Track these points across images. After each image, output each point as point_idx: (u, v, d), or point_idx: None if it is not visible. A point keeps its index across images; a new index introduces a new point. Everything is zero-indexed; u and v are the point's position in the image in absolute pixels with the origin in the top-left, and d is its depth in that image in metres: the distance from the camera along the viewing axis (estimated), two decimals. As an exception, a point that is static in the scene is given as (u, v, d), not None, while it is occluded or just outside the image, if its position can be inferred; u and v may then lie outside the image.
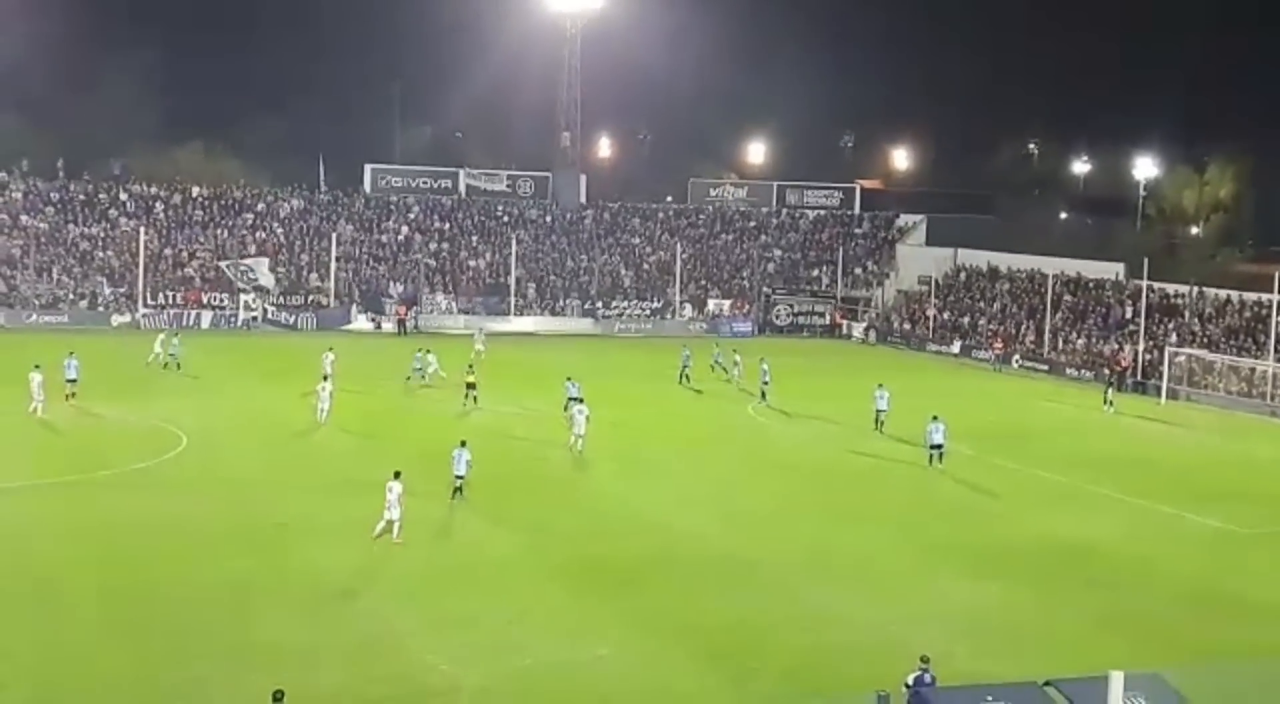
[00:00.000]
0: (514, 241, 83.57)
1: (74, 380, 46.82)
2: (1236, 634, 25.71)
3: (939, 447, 41.03)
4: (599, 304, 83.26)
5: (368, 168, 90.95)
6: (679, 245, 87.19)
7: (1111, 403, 55.55)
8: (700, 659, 23.66)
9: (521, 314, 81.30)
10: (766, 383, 52.76)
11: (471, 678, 22.26)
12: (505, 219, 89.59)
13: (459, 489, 34.22)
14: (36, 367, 43.89)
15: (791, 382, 56.00)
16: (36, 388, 43.25)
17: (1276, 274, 62.71)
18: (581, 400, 43.96)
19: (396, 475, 30.52)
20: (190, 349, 56.15)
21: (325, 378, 46.27)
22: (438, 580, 27.62)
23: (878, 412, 47.05)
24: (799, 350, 61.65)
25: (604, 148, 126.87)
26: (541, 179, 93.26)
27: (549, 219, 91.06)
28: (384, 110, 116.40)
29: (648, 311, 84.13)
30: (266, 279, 77.84)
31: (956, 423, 48.19)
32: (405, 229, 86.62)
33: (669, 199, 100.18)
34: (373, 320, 77.97)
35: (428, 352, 54.62)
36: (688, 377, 57.16)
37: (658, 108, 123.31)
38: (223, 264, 78.00)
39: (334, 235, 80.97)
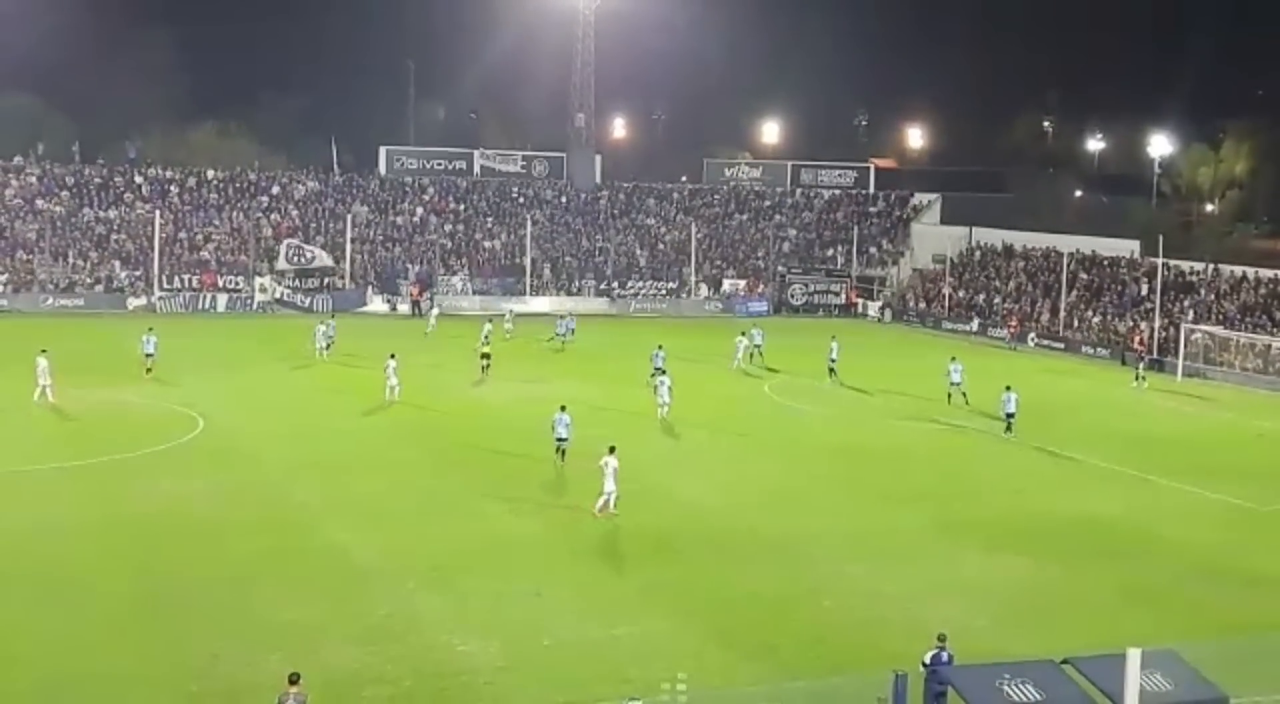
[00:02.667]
0: (529, 222, 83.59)
1: (151, 355, 48.83)
2: (1253, 608, 25.77)
3: (1011, 415, 42.64)
4: (614, 284, 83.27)
5: (382, 149, 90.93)
6: (694, 225, 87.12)
7: (1143, 378, 55.97)
8: (721, 635, 23.74)
9: (537, 294, 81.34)
10: (834, 360, 53.58)
11: (491, 657, 22.38)
12: (520, 200, 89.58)
13: (561, 452, 35.96)
14: (43, 351, 43.48)
15: (810, 360, 56.16)
16: (41, 373, 42.79)
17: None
18: (665, 371, 45.71)
19: (611, 450, 31.22)
20: (208, 333, 56.26)
21: (392, 356, 46.32)
22: (458, 559, 27.70)
23: (951, 385, 48.16)
24: (815, 330, 61.62)
25: (619, 128, 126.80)
26: (556, 160, 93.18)
27: (564, 200, 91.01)
28: (398, 91, 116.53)
29: (663, 291, 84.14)
30: (324, 258, 78.12)
31: (975, 403, 48.53)
32: (420, 210, 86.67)
33: (684, 179, 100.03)
34: (388, 302, 78.11)
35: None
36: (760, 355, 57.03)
37: (672, 88, 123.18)
38: (285, 244, 78.25)
39: (349, 217, 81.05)
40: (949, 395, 48.22)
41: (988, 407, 45.66)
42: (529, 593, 25.65)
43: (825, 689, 20.41)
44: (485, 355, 51.34)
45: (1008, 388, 43.33)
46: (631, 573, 27.38)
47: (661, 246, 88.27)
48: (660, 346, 51.02)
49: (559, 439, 35.95)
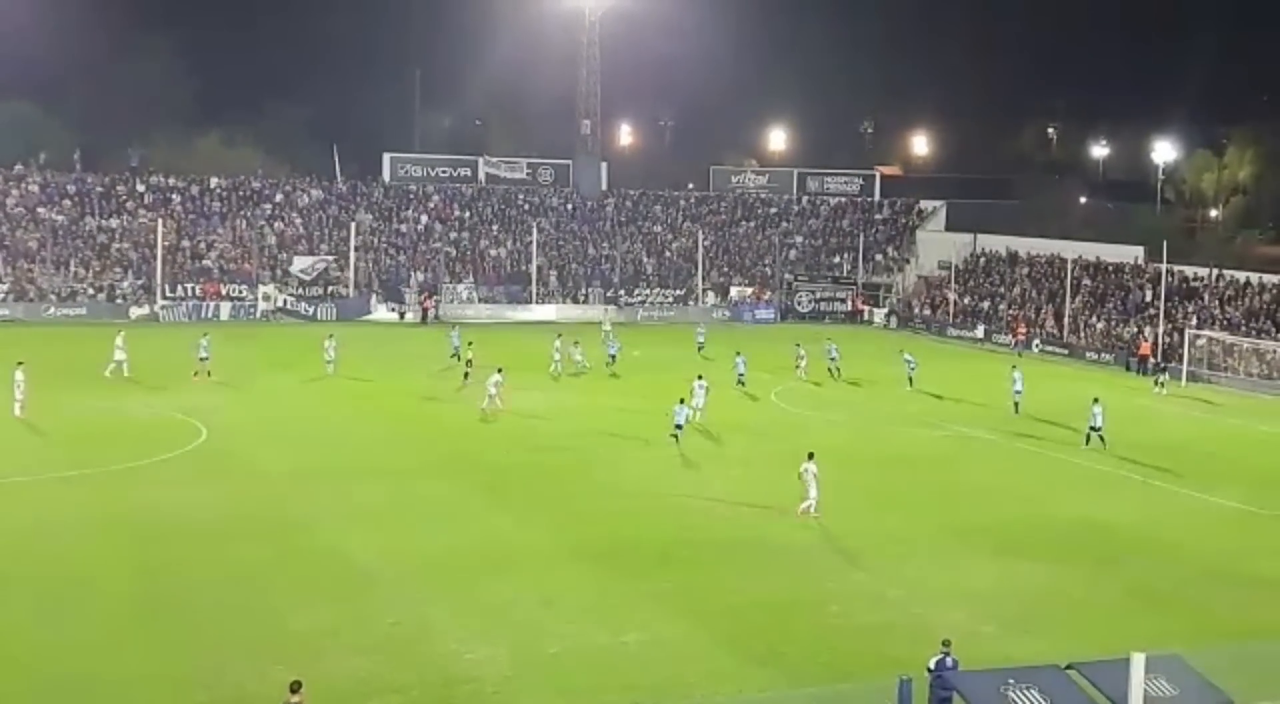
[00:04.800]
0: (535, 229, 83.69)
1: (205, 359, 50.98)
2: (1259, 613, 25.76)
3: (1098, 429, 42.17)
4: (621, 292, 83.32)
5: (386, 157, 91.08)
6: (701, 233, 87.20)
7: (1164, 384, 56.32)
8: (727, 641, 23.72)
9: (543, 302, 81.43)
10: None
11: (498, 665, 22.35)
12: (526, 207, 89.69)
13: (676, 436, 40.41)
14: (20, 363, 42.84)
15: (815, 366, 56.48)
16: (17, 385, 42.00)
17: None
18: (701, 376, 46.23)
19: (810, 457, 32.55)
20: (212, 341, 56.18)
21: (499, 371, 46.58)
22: (465, 567, 27.70)
23: (1015, 393, 48.75)
24: (822, 337, 61.62)
25: (625, 135, 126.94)
26: (562, 167, 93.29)
27: (570, 207, 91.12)
28: (404, 99, 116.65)
29: (670, 299, 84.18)
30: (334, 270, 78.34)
31: (983, 409, 48.63)
32: (425, 218, 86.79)
33: (690, 186, 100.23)
34: (393, 309, 78.17)
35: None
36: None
37: (679, 95, 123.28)
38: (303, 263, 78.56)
39: (353, 225, 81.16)
40: (1015, 405, 48.65)
41: (1001, 412, 45.60)
42: (537, 601, 25.63)
43: (832, 695, 20.42)
44: (468, 361, 51.77)
45: (1095, 400, 43.06)
46: (639, 579, 27.33)
47: (668, 254, 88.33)
48: (739, 353, 53.63)
49: (677, 425, 40.66)
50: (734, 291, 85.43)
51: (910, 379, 54.26)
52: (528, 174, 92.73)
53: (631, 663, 22.72)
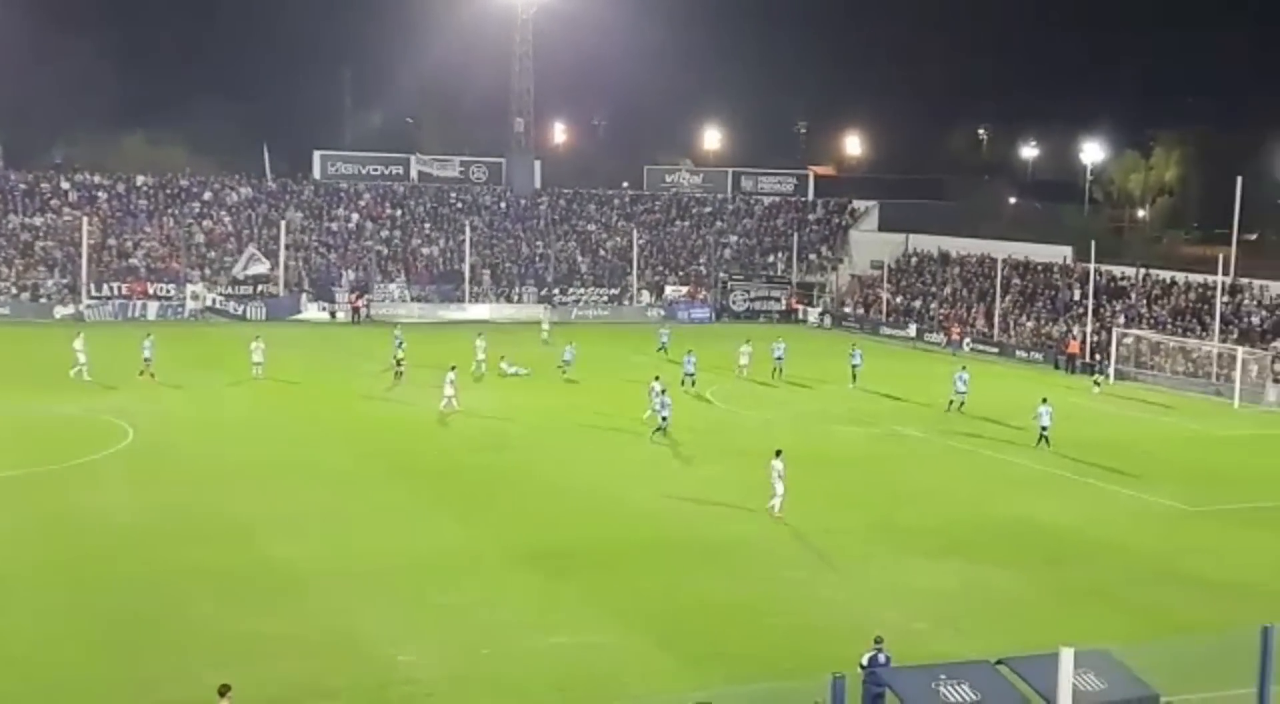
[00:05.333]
0: (468, 228, 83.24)
1: (149, 359, 50.47)
2: (1187, 610, 26.06)
3: (1046, 429, 42.50)
4: (555, 291, 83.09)
5: (316, 154, 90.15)
6: (635, 232, 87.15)
7: (1100, 384, 56.83)
8: (665, 642, 23.69)
9: (477, 301, 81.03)
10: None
11: (432, 668, 22.15)
12: (459, 205, 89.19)
13: (663, 430, 41.38)
14: None
15: (759, 366, 56.67)
16: None
17: (1220, 256, 63.56)
18: (658, 376, 46.22)
19: (778, 454, 32.54)
20: (138, 341, 55.35)
21: (452, 368, 46.26)
22: (401, 568, 27.46)
23: (959, 393, 49.11)
24: (758, 336, 61.82)
25: (559, 134, 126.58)
26: (495, 165, 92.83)
27: (503, 205, 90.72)
28: (334, 97, 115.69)
29: (605, 298, 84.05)
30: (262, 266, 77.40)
31: (917, 407, 48.95)
32: (356, 216, 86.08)
33: (625, 185, 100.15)
34: (324, 309, 77.45)
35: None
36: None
37: (613, 94, 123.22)
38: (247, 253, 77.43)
39: (283, 223, 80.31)
40: (957, 404, 49.03)
41: (937, 411, 45.84)
42: (475, 602, 25.43)
43: (766, 693, 20.38)
44: (399, 361, 51.42)
45: (1044, 400, 43.37)
46: (576, 581, 27.21)
47: (603, 253, 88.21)
48: (691, 351, 53.56)
49: (663, 417, 41.61)
50: (669, 291, 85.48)
51: (854, 376, 54.81)
52: (460, 172, 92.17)
53: (568, 664, 22.59)
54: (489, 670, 22.19)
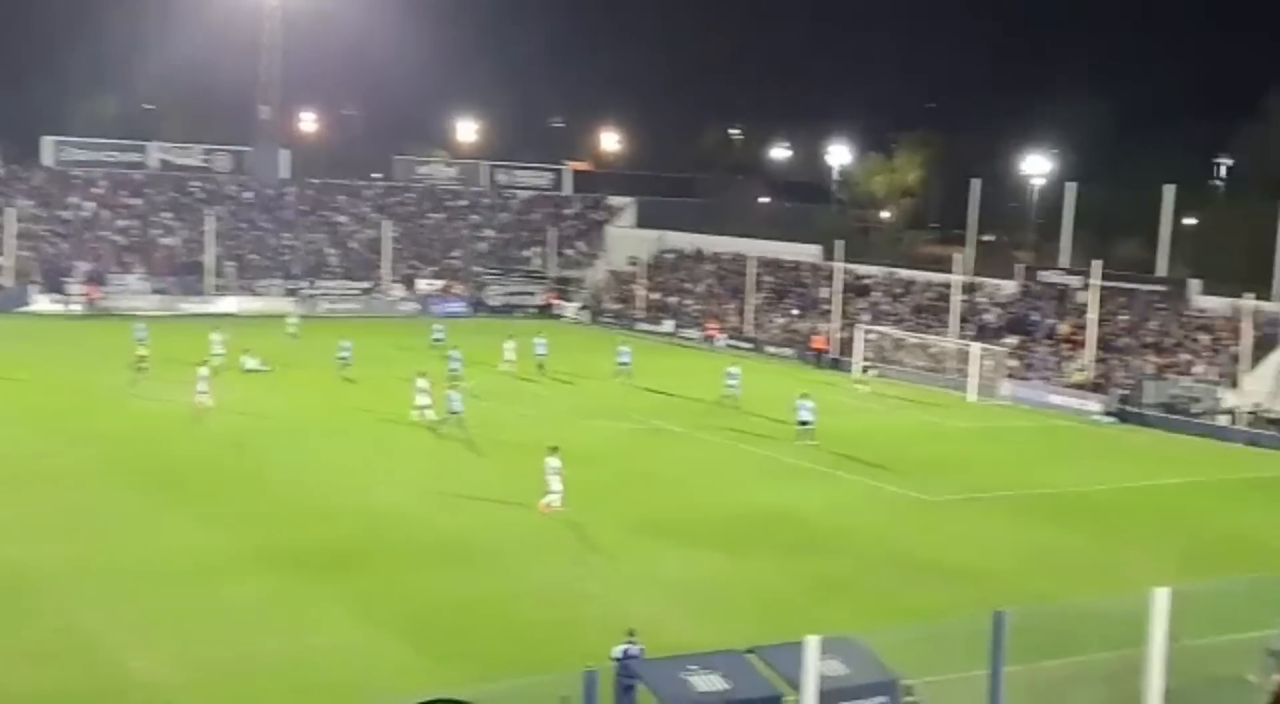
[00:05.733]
0: (211, 218, 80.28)
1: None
2: (928, 595, 26.85)
3: (807, 423, 42.84)
4: (303, 283, 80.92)
5: (46, 140, 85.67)
6: (387, 224, 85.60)
7: (866, 382, 57.98)
8: (416, 641, 23.26)
9: (221, 294, 78.25)
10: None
11: (172, 673, 21.21)
12: (201, 195, 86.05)
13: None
14: None
15: (522, 362, 56.54)
16: None
17: (956, 256, 66.38)
18: (424, 372, 45.19)
19: (553, 450, 32.22)
20: None
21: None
22: (137, 571, 26.28)
23: (730, 387, 50.14)
24: (515, 331, 61.47)
25: (309, 123, 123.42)
26: (240, 154, 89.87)
27: (248, 195, 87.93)
28: (67, 81, 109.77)
29: (356, 291, 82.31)
30: None
31: (683, 402, 49.39)
32: (91, 205, 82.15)
33: (378, 176, 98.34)
34: (56, 301, 73.68)
35: None
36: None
37: (366, 84, 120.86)
38: None
39: (11, 212, 76.05)
40: (729, 398, 49.87)
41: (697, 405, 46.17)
42: (214, 605, 24.46)
43: (515, 690, 20.07)
44: (141, 357, 49.46)
45: (804, 395, 43.98)
46: (324, 582, 26.43)
47: (353, 245, 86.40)
48: (455, 347, 52.93)
49: (451, 411, 41.48)
50: (422, 284, 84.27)
51: (620, 372, 55.22)
52: (204, 161, 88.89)
53: (315, 667, 21.94)
54: (233, 675, 21.36)
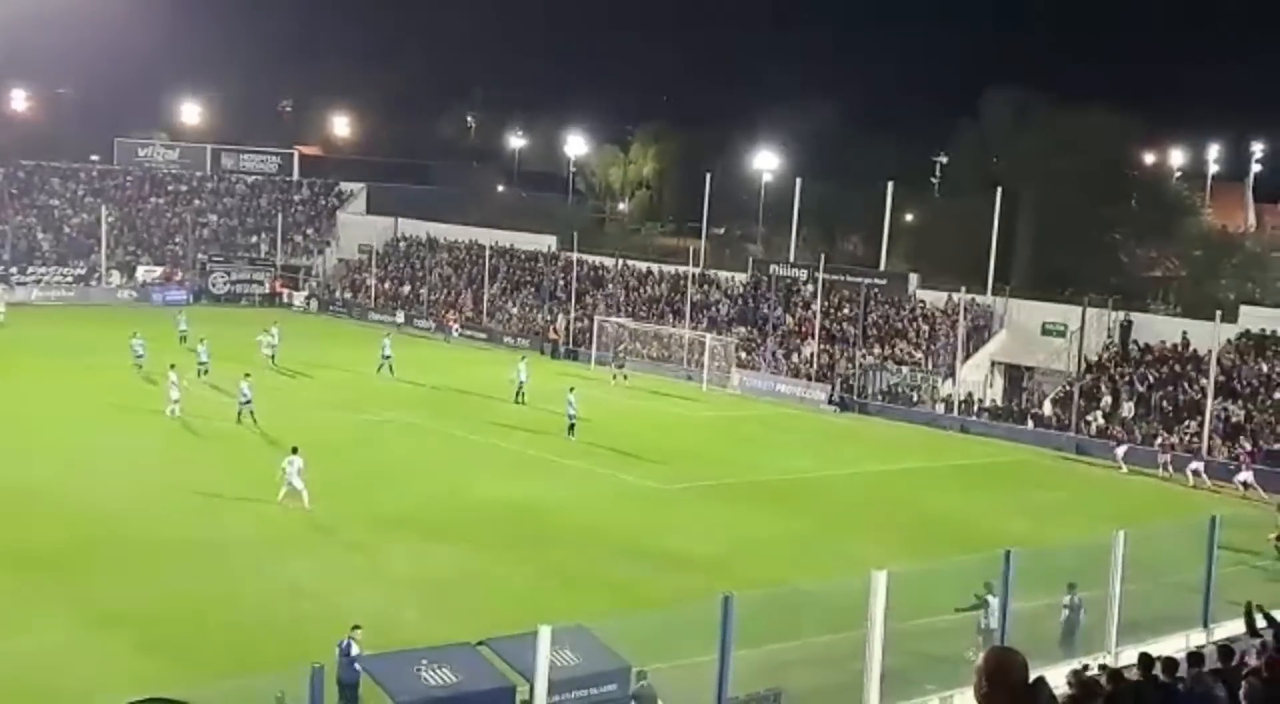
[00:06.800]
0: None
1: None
2: (661, 584, 27.25)
3: (573, 417, 43.02)
4: (13, 270, 76.46)
5: None
6: (105, 208, 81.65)
7: (624, 377, 57.45)
8: (138, 643, 22.46)
9: (-80, 280, 73.35)
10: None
11: None
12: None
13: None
14: None
15: (251, 352, 54.24)
16: None
17: (691, 248, 67.56)
18: (173, 365, 43.99)
19: (294, 450, 31.82)
20: None
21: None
22: None
23: (520, 383, 49.41)
24: (239, 319, 59.57)
25: (19, 102, 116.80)
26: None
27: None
28: None
29: (70, 279, 78.26)
30: None
31: (406, 390, 48.66)
32: None
33: (94, 159, 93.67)
34: None
35: None
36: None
37: (82, 62, 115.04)
38: None
39: None
40: (518, 395, 49.27)
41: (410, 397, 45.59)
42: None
43: (236, 689, 19.41)
44: None
45: (571, 390, 43.89)
46: (33, 584, 25.14)
47: (68, 230, 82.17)
48: (137, 333, 50.75)
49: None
50: (141, 271, 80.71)
51: (386, 366, 53.85)
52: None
53: (30, 670, 20.91)
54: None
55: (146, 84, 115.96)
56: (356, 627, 19.58)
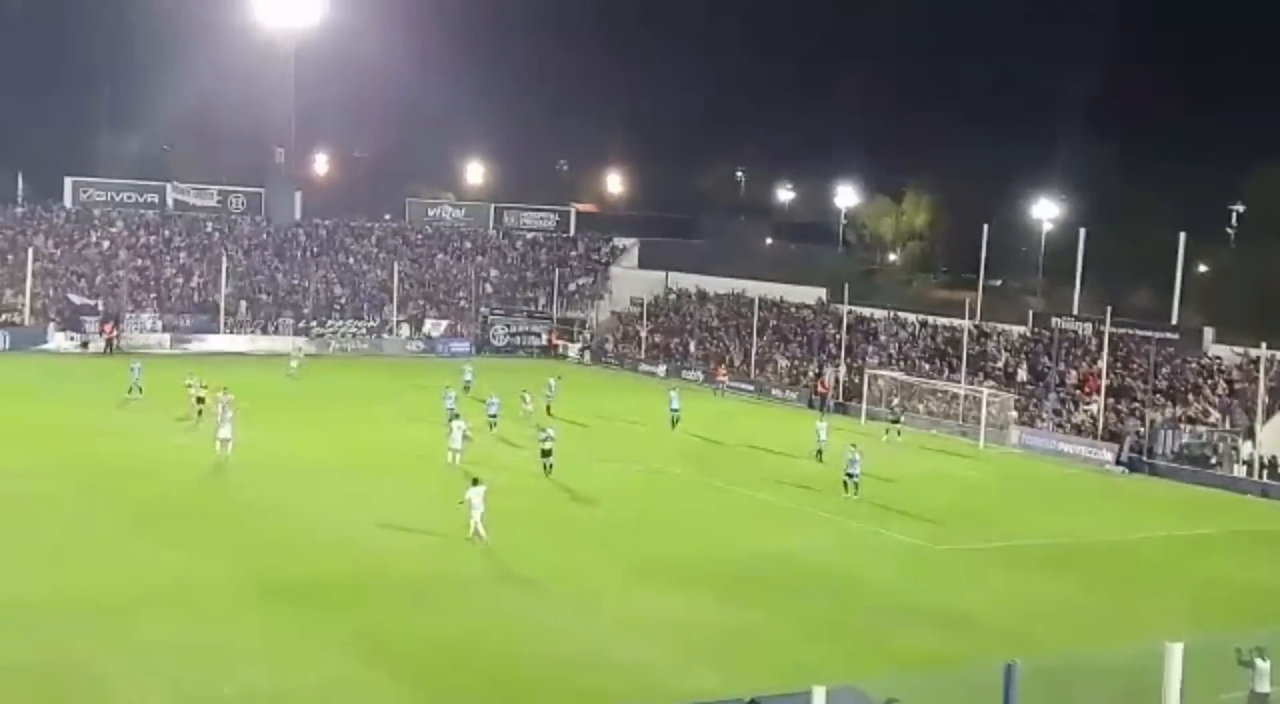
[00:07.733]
0: (224, 258, 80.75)
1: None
2: (927, 644, 26.68)
3: (853, 475, 41.86)
4: (313, 323, 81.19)
5: (68, 180, 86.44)
6: (396, 264, 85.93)
7: (897, 432, 55.78)
8: (411, 679, 23.21)
9: (233, 332, 78.59)
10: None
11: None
12: (215, 235, 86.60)
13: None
14: None
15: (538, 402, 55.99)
16: None
17: (967, 300, 66.21)
18: (458, 415, 46.08)
19: (475, 482, 32.83)
20: None
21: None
22: (132, 604, 26.27)
23: (820, 443, 48.76)
24: (519, 370, 61.56)
25: (320, 165, 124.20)
26: (254, 195, 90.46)
27: (262, 235, 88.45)
28: (87, 121, 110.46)
29: (364, 331, 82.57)
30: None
31: (672, 441, 49.24)
32: (108, 244, 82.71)
33: (387, 217, 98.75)
34: (73, 338, 74.17)
35: None
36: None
37: (375, 126, 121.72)
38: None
39: (30, 250, 76.62)
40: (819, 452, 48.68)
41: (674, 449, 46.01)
42: (210, 641, 24.42)
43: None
44: (199, 399, 49.69)
45: (853, 445, 43.13)
46: (320, 619, 26.39)
47: (362, 285, 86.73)
48: (449, 386, 52.42)
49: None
50: (429, 324, 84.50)
51: (673, 420, 54.04)
52: (218, 201, 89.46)
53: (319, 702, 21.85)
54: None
55: (434, 147, 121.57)
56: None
